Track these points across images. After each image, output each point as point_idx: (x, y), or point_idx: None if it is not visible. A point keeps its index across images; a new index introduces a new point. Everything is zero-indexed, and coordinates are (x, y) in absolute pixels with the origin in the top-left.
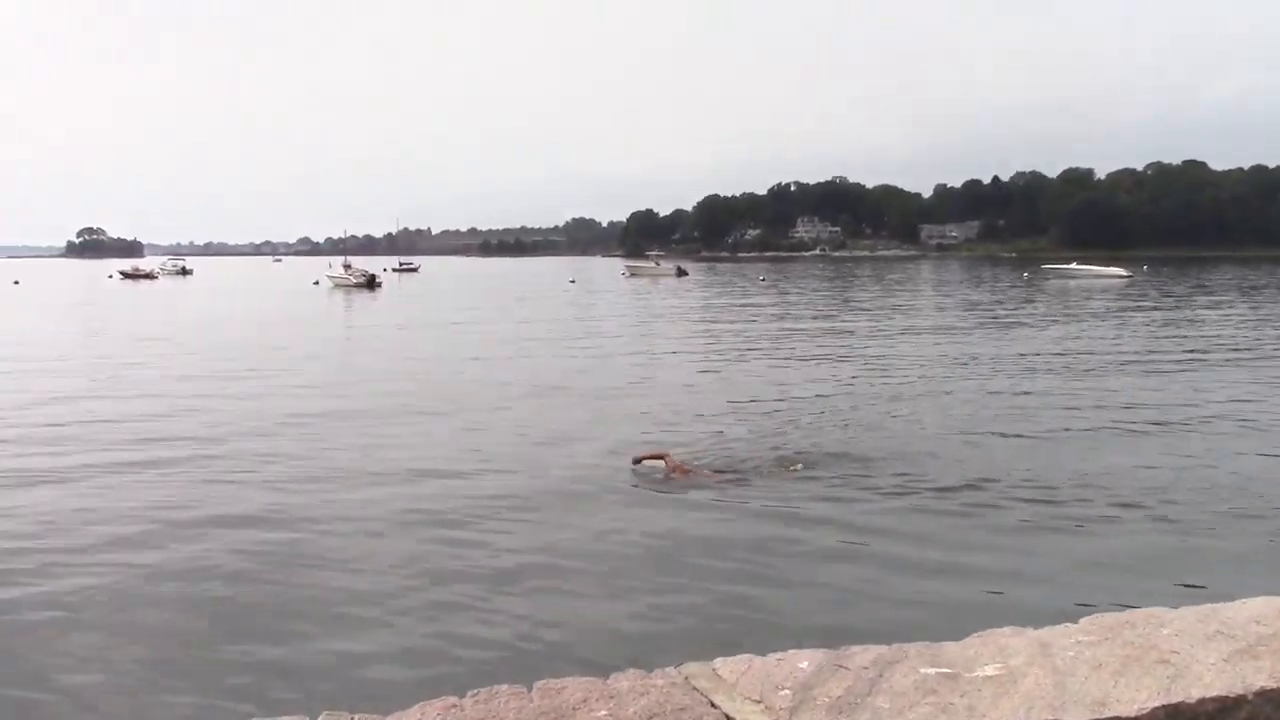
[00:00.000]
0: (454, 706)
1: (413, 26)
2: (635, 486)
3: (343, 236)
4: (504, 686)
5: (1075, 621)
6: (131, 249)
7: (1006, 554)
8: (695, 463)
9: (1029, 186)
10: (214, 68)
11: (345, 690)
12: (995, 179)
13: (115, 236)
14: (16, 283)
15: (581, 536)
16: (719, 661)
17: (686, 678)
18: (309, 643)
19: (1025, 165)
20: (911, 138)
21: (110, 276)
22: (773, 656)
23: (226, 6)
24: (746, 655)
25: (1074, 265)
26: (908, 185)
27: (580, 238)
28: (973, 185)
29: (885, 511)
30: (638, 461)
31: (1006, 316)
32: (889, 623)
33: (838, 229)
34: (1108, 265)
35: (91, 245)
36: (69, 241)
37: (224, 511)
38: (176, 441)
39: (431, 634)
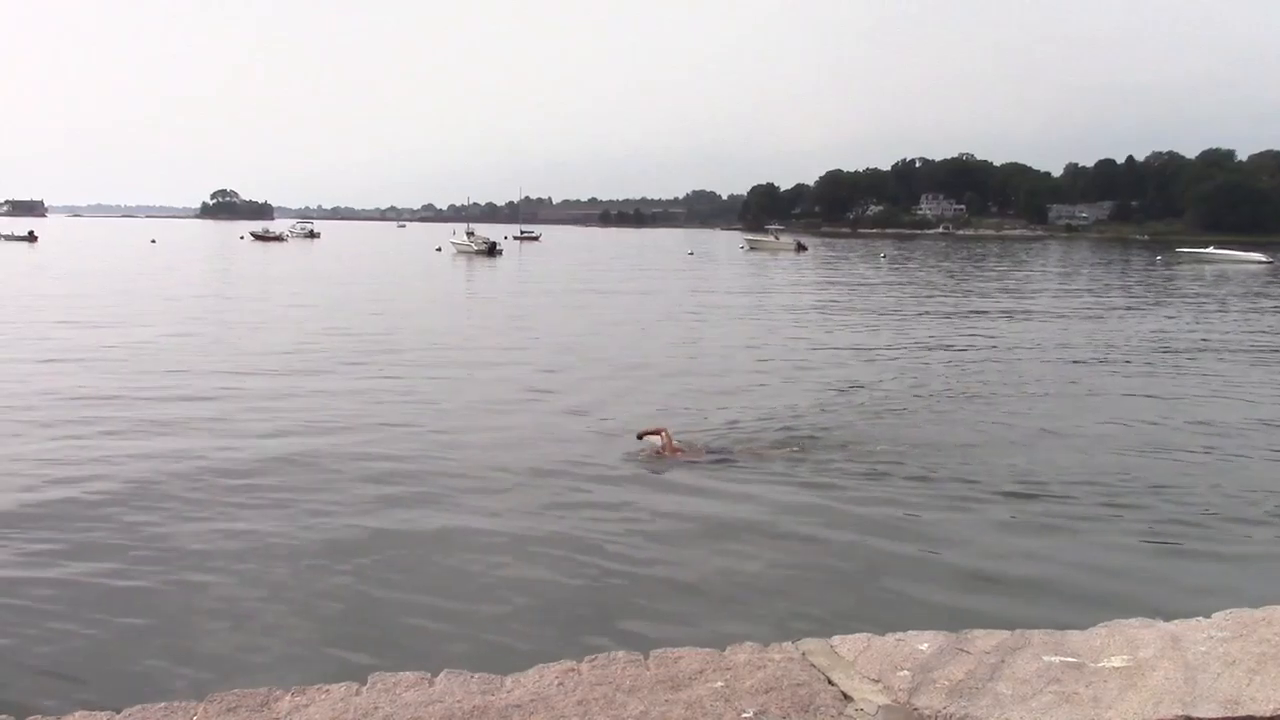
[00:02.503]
0: (571, 670)
1: (535, 3)
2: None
3: (465, 204)
4: (620, 653)
5: (1208, 616)
6: (262, 211)
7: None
8: (703, 442)
9: (1165, 167)
10: (343, 39)
11: (467, 649)
12: (1129, 159)
13: (247, 199)
14: (153, 241)
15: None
16: (837, 639)
17: (804, 653)
18: (436, 600)
19: (1162, 145)
20: (1042, 115)
21: (241, 238)
22: (891, 636)
23: None
24: (865, 634)
25: (1210, 249)
26: (1037, 164)
27: (700, 210)
28: (1106, 165)
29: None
30: (640, 436)
31: (1136, 302)
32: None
33: (962, 207)
34: (1247, 250)
35: (225, 207)
36: (203, 203)
37: (371, 469)
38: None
39: (553, 597)
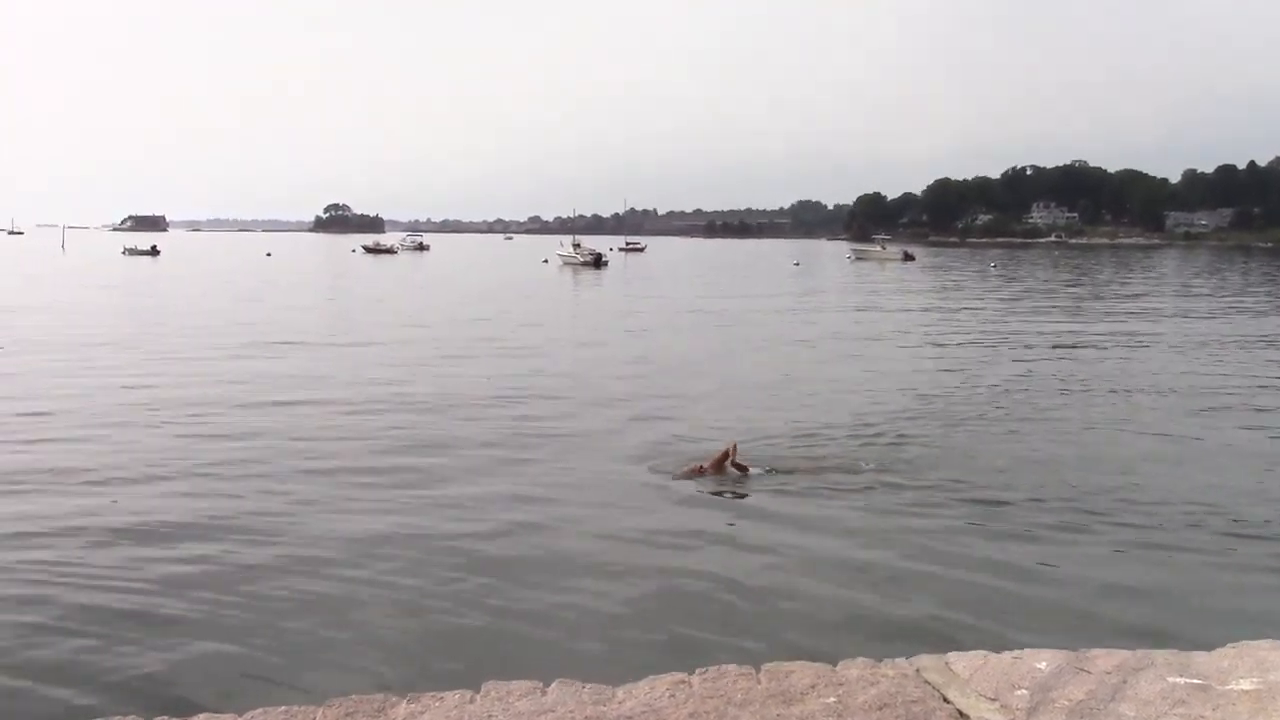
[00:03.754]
0: (682, 683)
1: (645, 13)
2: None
3: (571, 216)
4: (731, 666)
5: None
6: (373, 225)
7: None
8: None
9: None
10: (451, 53)
11: (573, 659)
12: (1251, 164)
13: (359, 213)
14: (268, 254)
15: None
16: (952, 655)
17: (918, 670)
18: (547, 610)
19: None
20: (1159, 120)
21: (353, 251)
22: (1008, 654)
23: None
24: (981, 651)
25: None
26: (1153, 170)
27: (805, 220)
28: (1226, 171)
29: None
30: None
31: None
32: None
33: (1075, 215)
34: None
35: (337, 220)
36: (316, 216)
37: (505, 480)
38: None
39: (659, 607)
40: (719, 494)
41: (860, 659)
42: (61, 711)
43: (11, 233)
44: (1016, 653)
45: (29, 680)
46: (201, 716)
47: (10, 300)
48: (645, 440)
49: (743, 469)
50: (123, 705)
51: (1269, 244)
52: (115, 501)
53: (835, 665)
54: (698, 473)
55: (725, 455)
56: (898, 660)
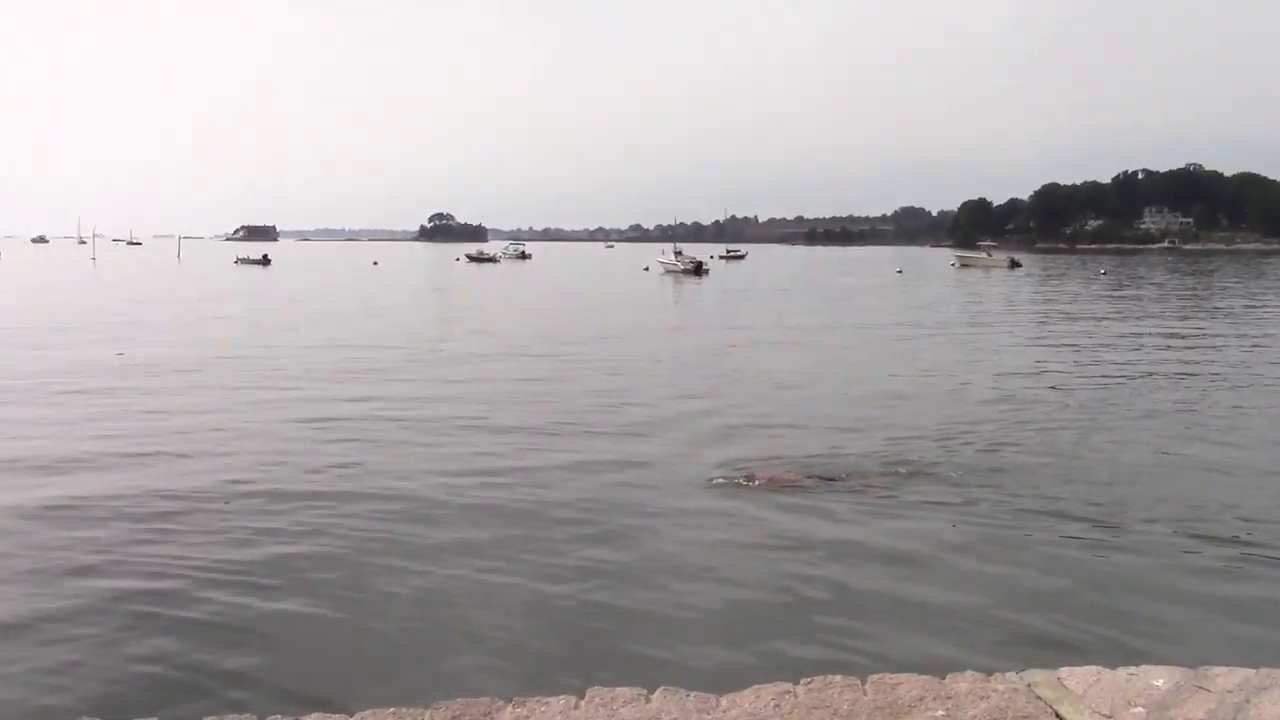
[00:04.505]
0: (787, 693)
1: (744, 17)
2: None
3: (671, 224)
4: (838, 677)
5: None
6: (476, 234)
7: None
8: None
9: None
10: (550, 65)
11: (679, 668)
12: None
13: (462, 222)
14: (375, 263)
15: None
16: (1064, 671)
17: (1029, 685)
18: (650, 618)
19: None
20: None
21: (457, 259)
22: (1124, 670)
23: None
24: (1094, 666)
25: None
26: (1273, 173)
27: (908, 226)
28: None
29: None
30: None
31: None
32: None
33: (1189, 220)
34: None
35: (441, 230)
36: (421, 226)
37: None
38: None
39: (759, 619)
40: (804, 506)
41: (969, 672)
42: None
43: (130, 243)
44: (1132, 669)
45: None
46: (314, 715)
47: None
48: (737, 450)
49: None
50: (237, 696)
51: None
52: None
53: (943, 678)
54: (768, 482)
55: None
56: (1008, 674)
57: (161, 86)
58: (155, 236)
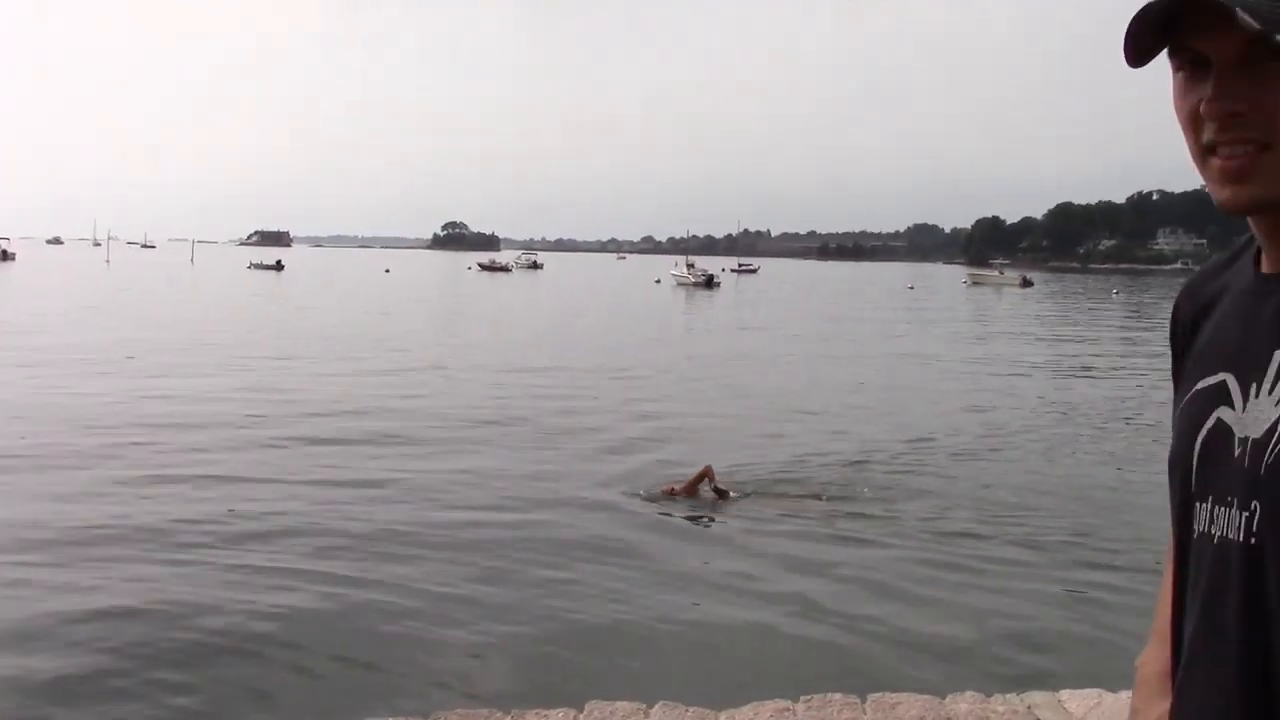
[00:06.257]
0: (786, 710)
1: (761, 33)
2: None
3: (684, 236)
4: (837, 695)
5: None
6: (489, 243)
7: None
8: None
9: None
10: (563, 74)
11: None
12: None
13: (475, 231)
14: (387, 271)
15: None
16: (1065, 693)
17: (1029, 706)
18: (648, 633)
19: None
20: None
21: (469, 268)
22: (1125, 693)
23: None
24: (1095, 689)
25: None
26: None
27: (921, 244)
28: None
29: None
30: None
31: None
32: None
33: (1204, 241)
34: None
35: (453, 238)
36: (434, 234)
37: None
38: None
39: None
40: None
41: (969, 692)
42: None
43: (145, 246)
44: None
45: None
46: None
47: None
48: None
49: (722, 493)
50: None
51: None
52: (232, 510)
53: (944, 698)
54: (669, 494)
55: (700, 477)
56: (1008, 695)
57: (181, 92)
58: (170, 240)
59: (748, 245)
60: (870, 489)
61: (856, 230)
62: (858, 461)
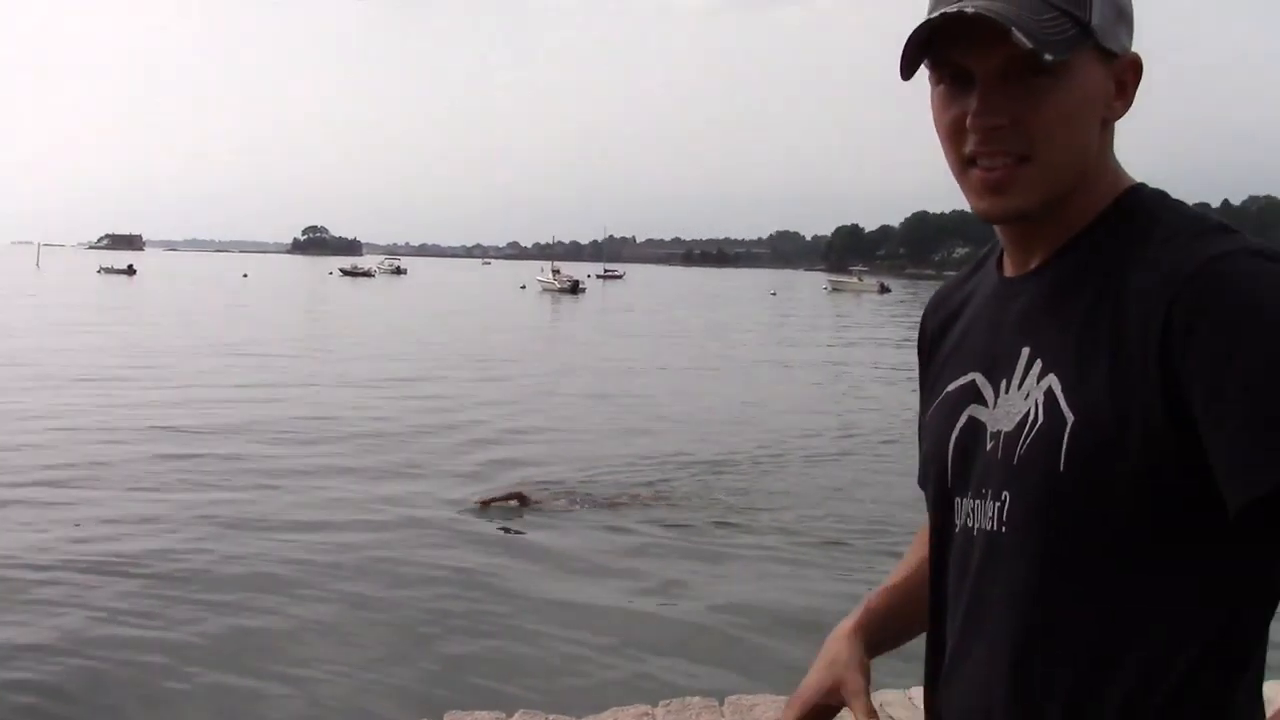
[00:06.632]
0: (646, 714)
1: (628, 41)
2: None
3: (550, 242)
4: (695, 699)
5: None
6: (351, 247)
7: None
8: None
9: (1263, 212)
10: (430, 78)
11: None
12: (1225, 202)
13: (336, 235)
14: (245, 275)
15: None
16: (915, 690)
17: (881, 704)
18: (504, 641)
19: (1260, 189)
20: (1136, 157)
21: (330, 274)
22: None
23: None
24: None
25: None
26: None
27: (783, 250)
28: (1200, 209)
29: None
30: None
31: None
32: None
33: None
34: None
35: (315, 243)
36: (294, 238)
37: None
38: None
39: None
40: (559, 526)
41: None
42: None
43: None
44: None
45: None
46: None
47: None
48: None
49: (522, 499)
50: None
51: None
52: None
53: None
54: (484, 506)
55: (515, 497)
56: (883, 691)
57: (23, 88)
58: (13, 243)
59: (613, 251)
60: (725, 493)
61: (720, 237)
62: (715, 465)
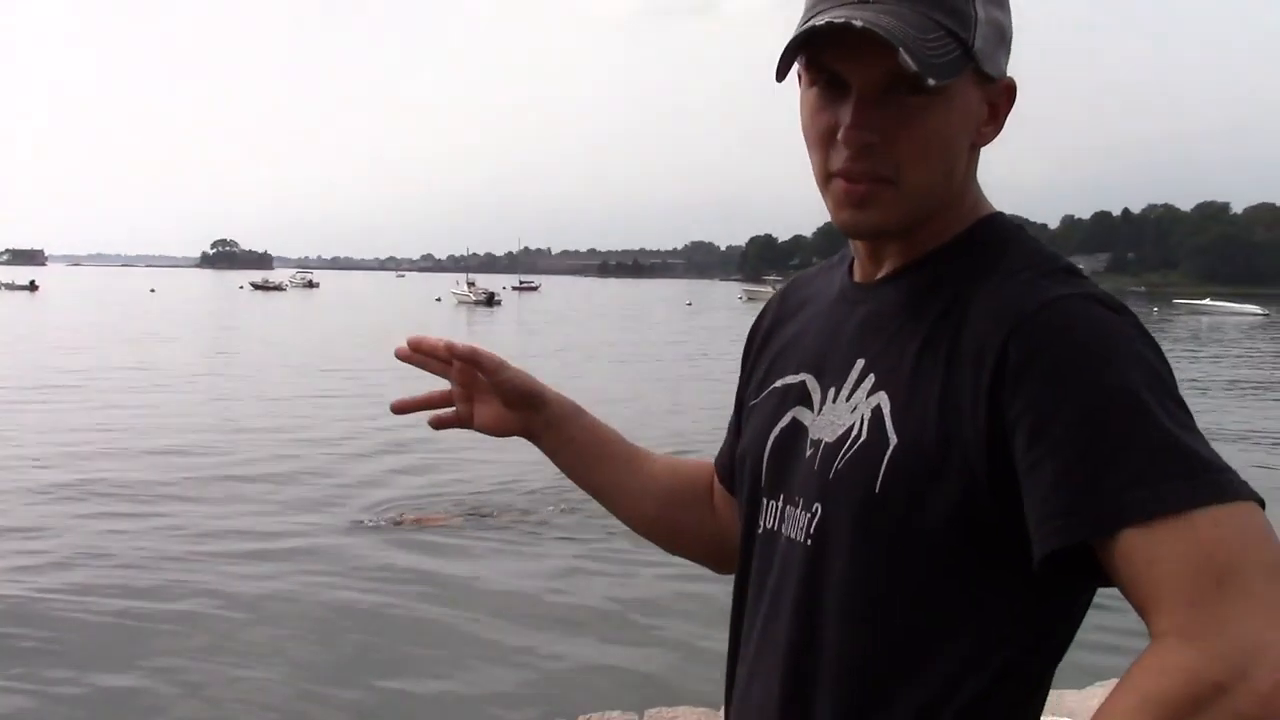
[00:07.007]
0: None
1: (539, 53)
2: None
3: (465, 254)
4: (615, 712)
5: None
6: (261, 261)
7: None
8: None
9: (1161, 220)
10: (341, 88)
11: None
12: (1125, 211)
13: (247, 249)
14: (152, 290)
15: None
16: None
17: None
18: (421, 664)
19: (1158, 198)
20: (1038, 167)
21: (241, 287)
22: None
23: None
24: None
25: (1207, 301)
26: (1033, 215)
27: (699, 261)
28: (1102, 217)
29: None
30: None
31: None
32: None
33: None
34: (1242, 302)
35: (224, 256)
36: (203, 252)
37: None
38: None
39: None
40: (448, 545)
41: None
42: None
43: None
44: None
45: None
46: None
47: None
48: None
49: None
50: None
51: (1142, 288)
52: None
53: (719, 709)
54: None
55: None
56: None
57: None
58: None
59: (529, 263)
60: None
61: (635, 248)
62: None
